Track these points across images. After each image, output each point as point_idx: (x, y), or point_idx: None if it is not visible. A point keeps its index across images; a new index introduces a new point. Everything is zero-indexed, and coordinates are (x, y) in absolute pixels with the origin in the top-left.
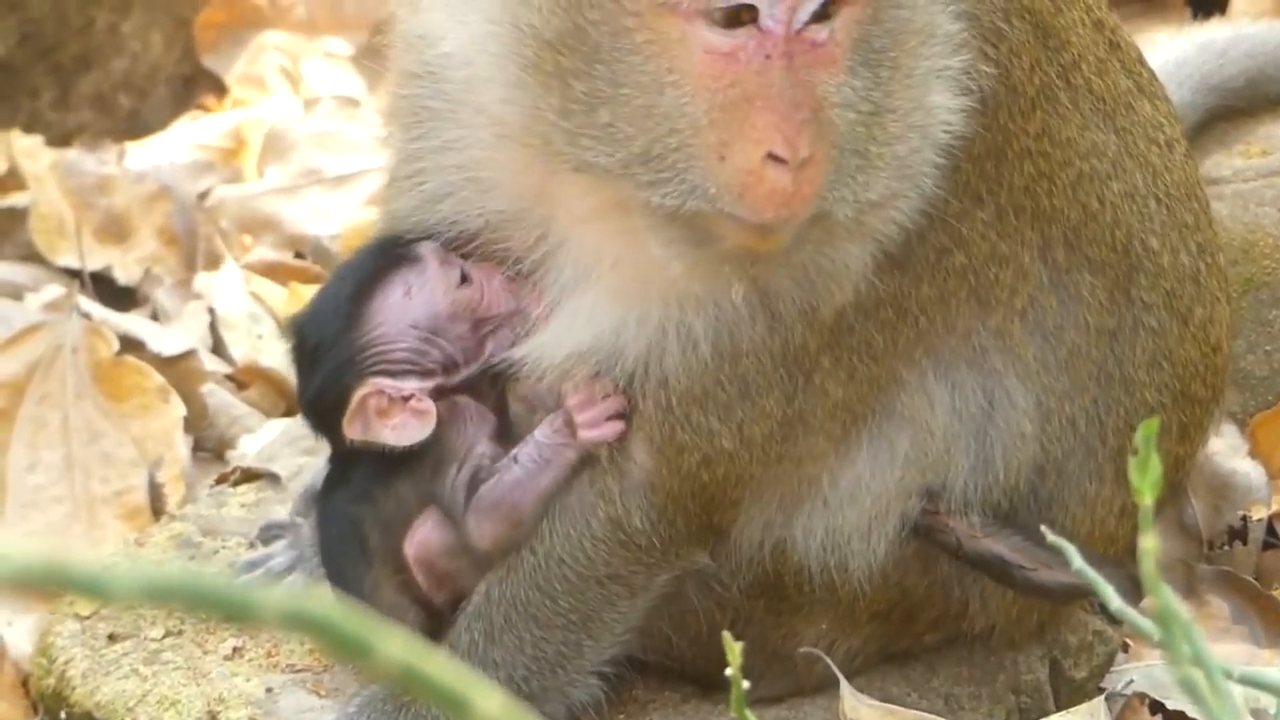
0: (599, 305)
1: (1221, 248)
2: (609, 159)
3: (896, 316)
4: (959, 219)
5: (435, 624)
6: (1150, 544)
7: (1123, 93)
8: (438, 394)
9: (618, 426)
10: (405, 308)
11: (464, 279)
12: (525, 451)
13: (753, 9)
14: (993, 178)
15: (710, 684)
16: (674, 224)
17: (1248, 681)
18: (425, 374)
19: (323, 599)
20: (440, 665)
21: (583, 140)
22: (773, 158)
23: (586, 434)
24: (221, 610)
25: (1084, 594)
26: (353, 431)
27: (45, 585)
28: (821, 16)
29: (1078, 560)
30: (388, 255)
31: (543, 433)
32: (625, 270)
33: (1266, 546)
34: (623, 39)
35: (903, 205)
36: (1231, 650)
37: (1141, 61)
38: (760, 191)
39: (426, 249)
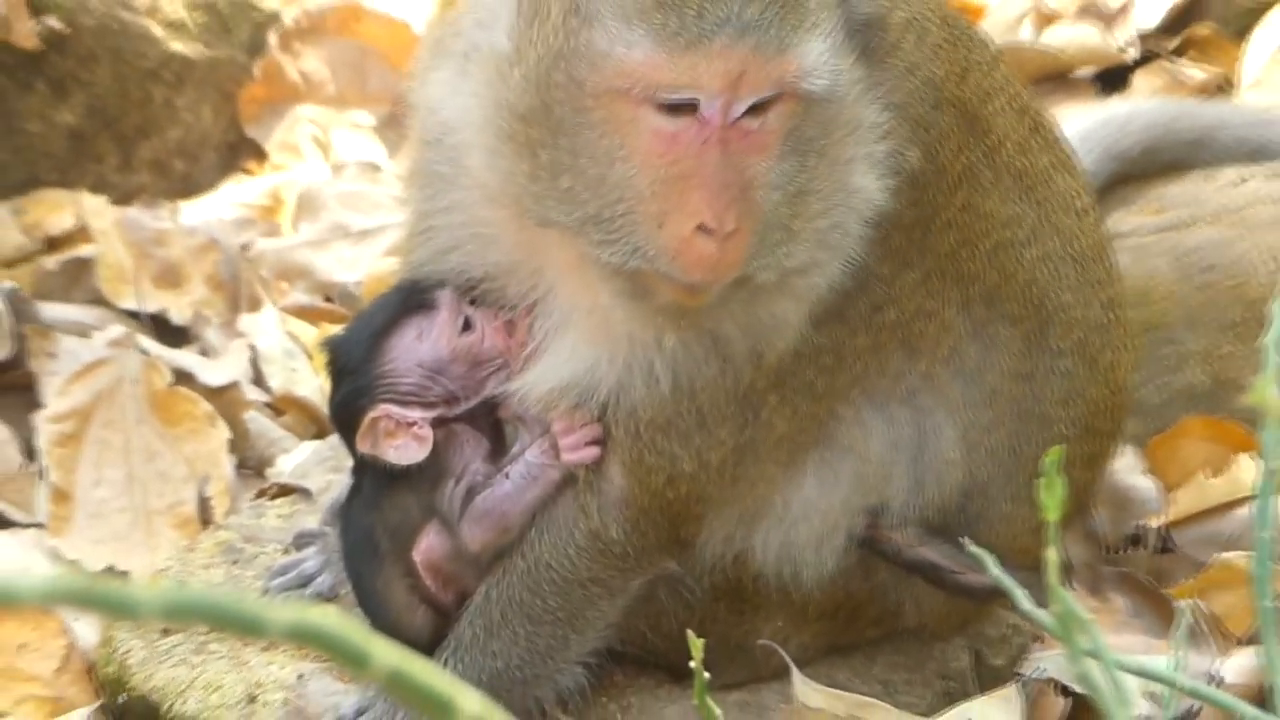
0: (577, 346)
1: (1126, 300)
2: (568, 218)
3: (835, 362)
4: (890, 280)
5: (442, 620)
6: (1053, 555)
7: (1042, 169)
8: (438, 423)
9: (595, 450)
10: (414, 349)
11: (468, 326)
12: (515, 469)
13: (694, 101)
14: (920, 245)
15: (681, 673)
16: (619, 278)
17: (1139, 672)
18: (427, 405)
19: (324, 613)
20: (425, 670)
21: (547, 201)
22: (702, 229)
23: (568, 456)
24: (234, 625)
25: (1003, 595)
26: (363, 446)
27: (77, 605)
28: (757, 107)
29: (993, 567)
30: (409, 300)
31: (531, 454)
32: (596, 316)
33: (1161, 551)
34: (582, 116)
35: (826, 270)
36: (1130, 641)
37: (1061, 140)
38: (690, 257)
39: (443, 298)
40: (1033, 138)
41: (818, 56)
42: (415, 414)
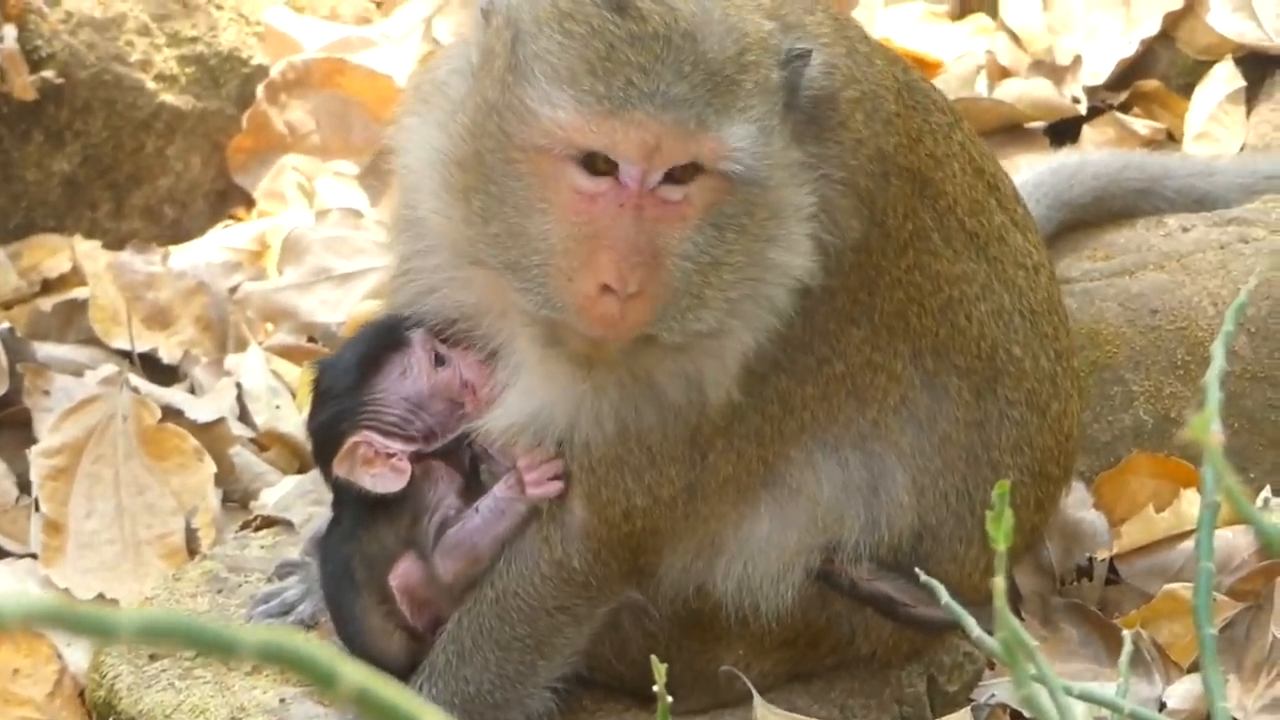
0: (533, 385)
1: (1075, 350)
2: (494, 261)
3: (782, 411)
4: (837, 336)
5: (417, 646)
6: (1000, 583)
7: (996, 227)
8: (416, 457)
9: (559, 485)
10: (400, 384)
11: (441, 362)
12: (485, 503)
13: (614, 166)
14: (866, 304)
15: (647, 698)
16: (535, 324)
17: (1086, 697)
18: (408, 439)
19: (292, 637)
20: (391, 692)
21: (479, 244)
22: (607, 288)
23: (533, 491)
24: (207, 646)
25: (953, 628)
26: (340, 470)
27: (56, 627)
28: (679, 180)
29: (945, 596)
30: (393, 336)
31: (499, 488)
32: (549, 358)
33: (1108, 583)
34: (510, 167)
35: (743, 336)
36: (1079, 669)
37: (1017, 199)
38: (594, 313)
39: (416, 336)
40: (990, 197)
41: (742, 139)
42: (396, 445)
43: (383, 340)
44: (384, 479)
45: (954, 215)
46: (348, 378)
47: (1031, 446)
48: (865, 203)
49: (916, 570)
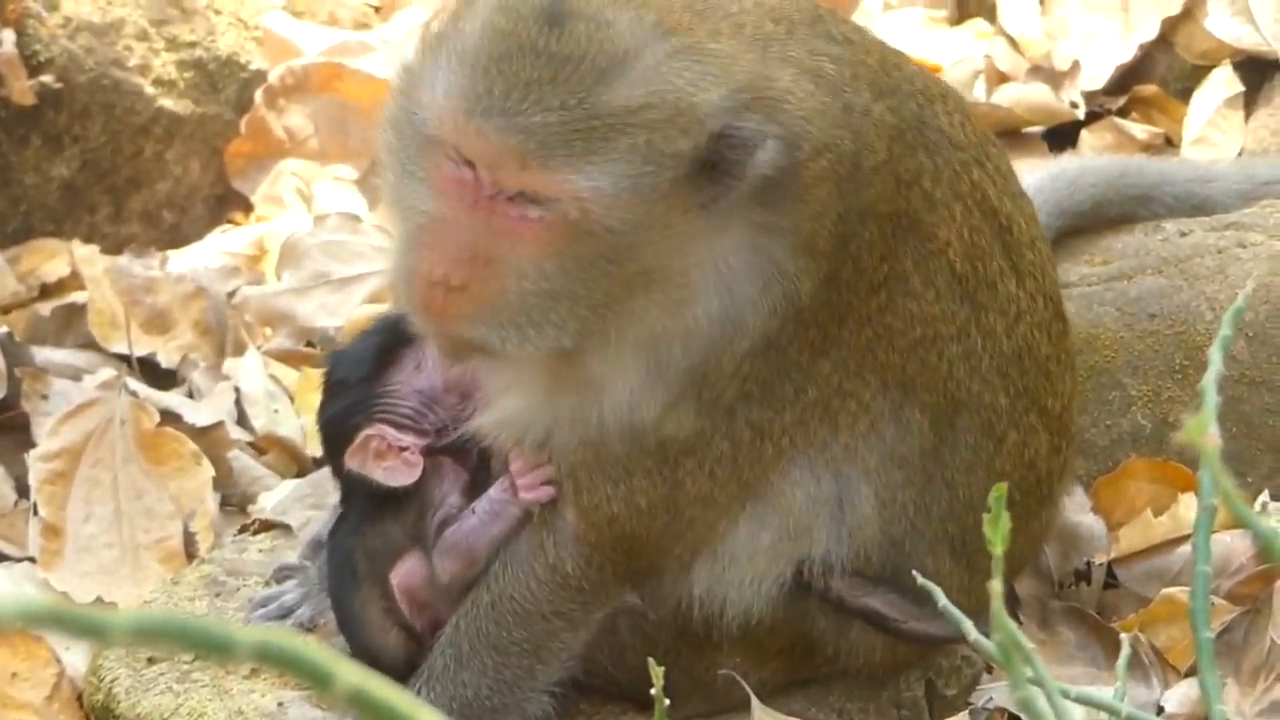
0: (515, 385)
1: (1055, 393)
2: (395, 238)
3: (758, 438)
4: (809, 367)
5: (416, 646)
6: (997, 585)
7: (991, 273)
8: (426, 452)
9: (550, 490)
10: (414, 377)
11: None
12: (480, 505)
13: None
14: (835, 337)
15: (645, 704)
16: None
17: (1083, 700)
18: (421, 433)
19: (288, 637)
20: (386, 691)
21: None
22: (437, 280)
23: (525, 495)
24: (203, 647)
25: (941, 641)
26: (352, 462)
27: (50, 627)
28: (536, 201)
29: (942, 599)
30: (407, 329)
31: (495, 491)
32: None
33: (1106, 586)
34: (405, 147)
35: (626, 381)
36: (1077, 673)
37: (1032, 244)
38: (420, 295)
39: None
40: (996, 241)
41: (589, 191)
42: (408, 439)
43: (397, 333)
44: (396, 472)
45: (944, 258)
46: (361, 369)
47: (987, 470)
48: (826, 258)
49: (914, 573)
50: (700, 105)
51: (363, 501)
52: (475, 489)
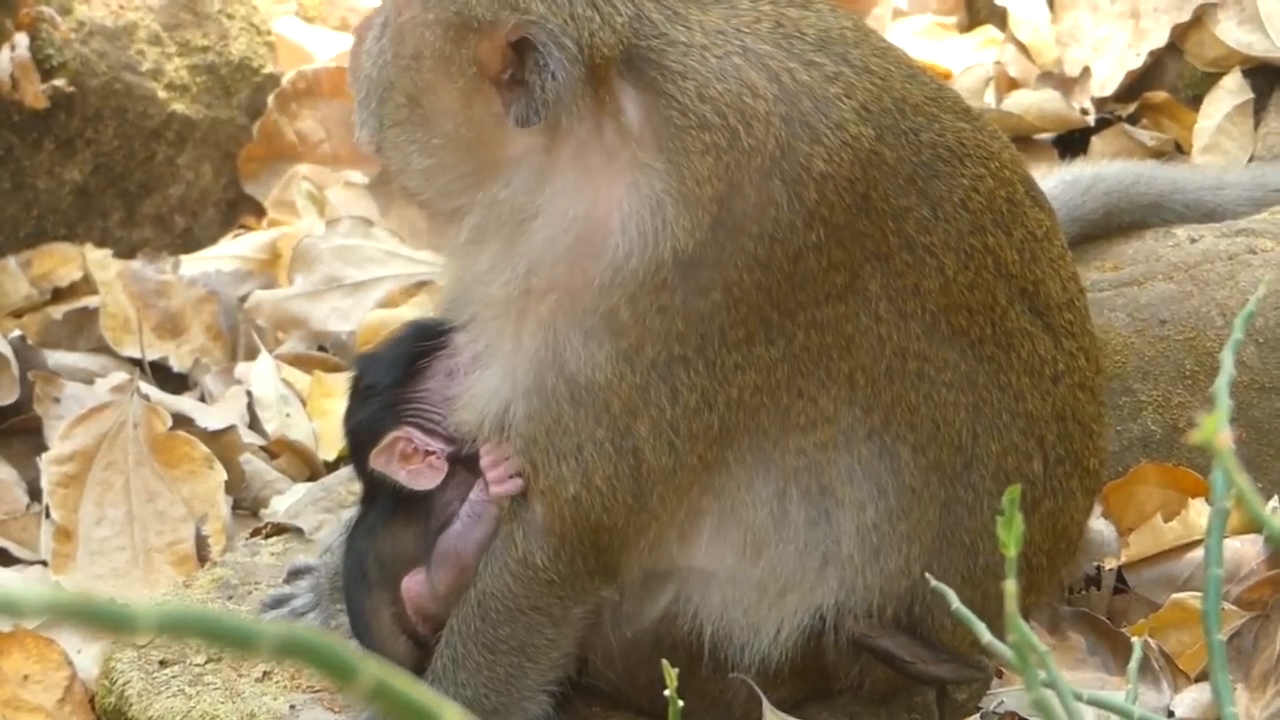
0: (484, 371)
1: (1097, 455)
2: None
3: (703, 405)
4: (745, 346)
5: (423, 655)
6: (1011, 587)
7: (1004, 332)
8: (451, 459)
9: (519, 483)
10: (447, 384)
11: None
12: (463, 510)
13: None
14: (779, 328)
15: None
16: None
17: (1095, 703)
18: (447, 440)
19: (310, 632)
20: (408, 685)
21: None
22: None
23: (495, 489)
24: (226, 640)
25: (957, 681)
26: (376, 463)
27: (76, 619)
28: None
29: (955, 601)
30: (437, 337)
31: (474, 493)
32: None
33: (1116, 591)
34: None
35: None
36: (1087, 677)
37: (1068, 307)
38: None
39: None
40: (1014, 303)
41: None
42: (436, 444)
43: (429, 340)
44: (420, 475)
45: (920, 301)
46: (391, 375)
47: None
48: (728, 231)
49: (926, 574)
50: None
51: (382, 505)
52: None
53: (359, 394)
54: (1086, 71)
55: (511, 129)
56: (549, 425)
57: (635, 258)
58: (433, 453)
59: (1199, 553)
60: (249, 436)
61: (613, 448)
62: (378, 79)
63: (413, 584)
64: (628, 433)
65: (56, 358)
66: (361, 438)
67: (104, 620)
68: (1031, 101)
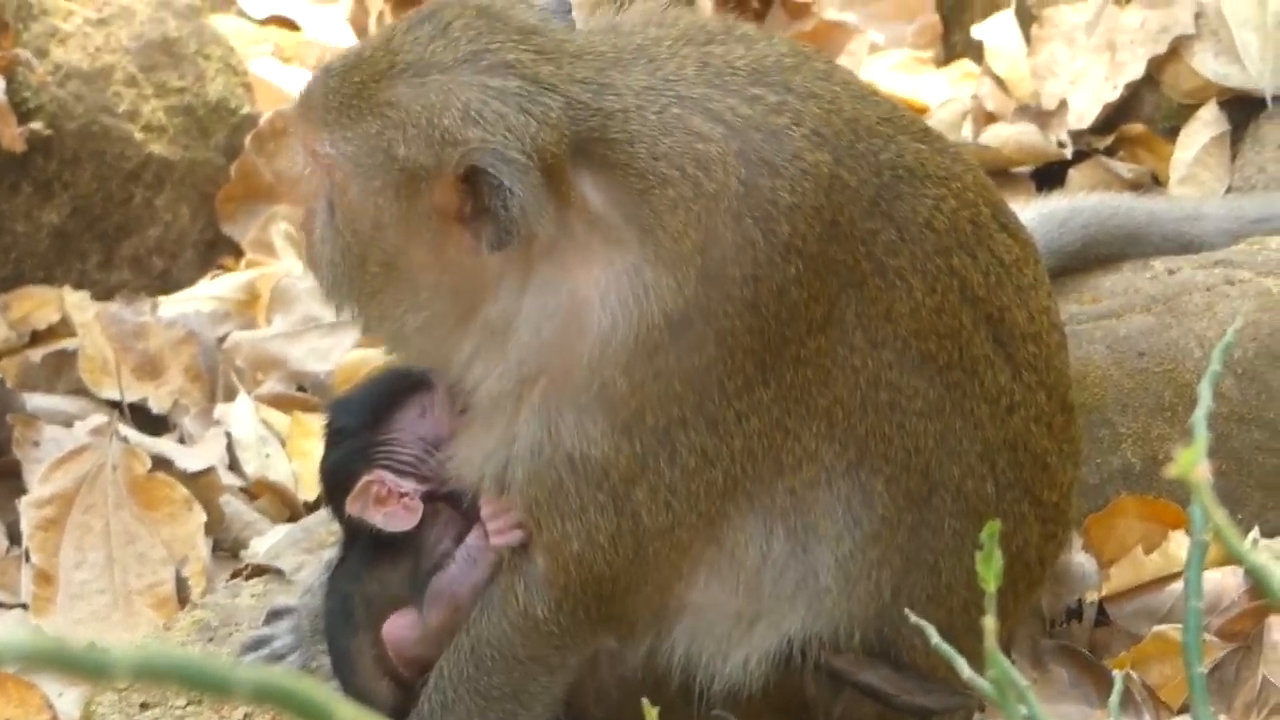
0: (480, 425)
1: (1054, 485)
2: None
3: (704, 464)
4: (746, 393)
5: (405, 696)
6: (991, 622)
7: (970, 359)
8: (427, 498)
9: (520, 534)
10: (418, 424)
11: (463, 411)
12: (460, 552)
13: None
14: (771, 367)
15: None
16: None
17: None
18: (421, 479)
19: (287, 675)
20: None
21: None
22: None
23: (495, 539)
24: (202, 685)
25: (943, 710)
26: (352, 509)
27: (53, 665)
28: (313, 156)
29: (935, 637)
30: (412, 378)
31: (471, 537)
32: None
33: (1098, 624)
34: None
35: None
36: (1069, 710)
37: (1034, 338)
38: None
39: (437, 377)
40: (978, 329)
41: (329, 152)
42: (409, 485)
43: (404, 380)
44: (396, 518)
45: (893, 327)
46: (360, 417)
47: (973, 556)
48: (715, 281)
49: (906, 610)
50: (451, 135)
51: (364, 547)
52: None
53: (331, 438)
54: (1063, 104)
55: (488, 256)
56: (551, 488)
57: (623, 328)
58: (406, 494)
59: (1180, 585)
60: (228, 478)
61: (614, 510)
62: (343, 260)
63: (394, 628)
64: (627, 496)
65: (35, 401)
66: (335, 482)
67: (80, 666)
68: (1009, 135)
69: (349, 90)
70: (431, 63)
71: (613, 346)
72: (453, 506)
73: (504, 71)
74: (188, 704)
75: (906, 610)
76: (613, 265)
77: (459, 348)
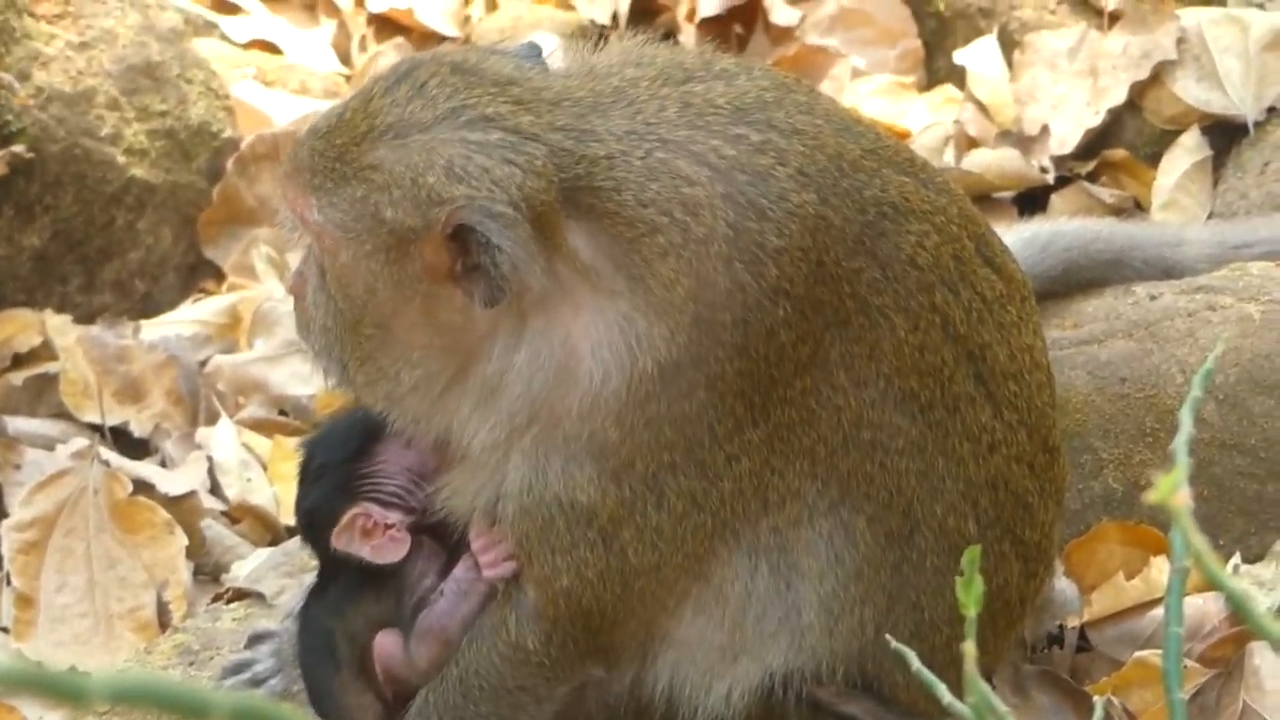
0: (469, 460)
1: (1036, 525)
2: None
3: (692, 508)
4: (736, 435)
5: (388, 716)
6: (970, 648)
7: (951, 397)
8: (413, 529)
9: (512, 566)
10: (403, 454)
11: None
12: (448, 585)
13: None
14: (760, 408)
15: None
16: None
17: None
18: (407, 510)
19: (264, 701)
20: None
21: None
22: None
23: (487, 572)
24: (179, 710)
25: None
26: (339, 543)
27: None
28: (302, 222)
29: (915, 663)
30: None
31: (460, 570)
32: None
33: (1079, 650)
34: None
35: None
36: None
37: (1016, 377)
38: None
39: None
40: (960, 366)
41: (316, 220)
42: (394, 516)
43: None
44: (383, 550)
45: (876, 365)
46: (343, 450)
47: (954, 592)
48: (704, 326)
49: (886, 636)
50: (436, 193)
51: (345, 580)
52: (451, 568)
53: (311, 475)
54: (1045, 130)
55: (481, 312)
56: (541, 525)
57: (615, 379)
58: (392, 525)
59: (1161, 610)
60: (210, 501)
61: (603, 548)
62: (336, 325)
63: (385, 642)
64: (615, 536)
65: (16, 424)
66: (317, 519)
67: (59, 690)
68: (991, 160)
69: (332, 154)
70: (411, 123)
71: (604, 397)
72: (436, 539)
73: (484, 125)
74: None
75: (888, 637)
76: (604, 315)
77: (455, 406)
